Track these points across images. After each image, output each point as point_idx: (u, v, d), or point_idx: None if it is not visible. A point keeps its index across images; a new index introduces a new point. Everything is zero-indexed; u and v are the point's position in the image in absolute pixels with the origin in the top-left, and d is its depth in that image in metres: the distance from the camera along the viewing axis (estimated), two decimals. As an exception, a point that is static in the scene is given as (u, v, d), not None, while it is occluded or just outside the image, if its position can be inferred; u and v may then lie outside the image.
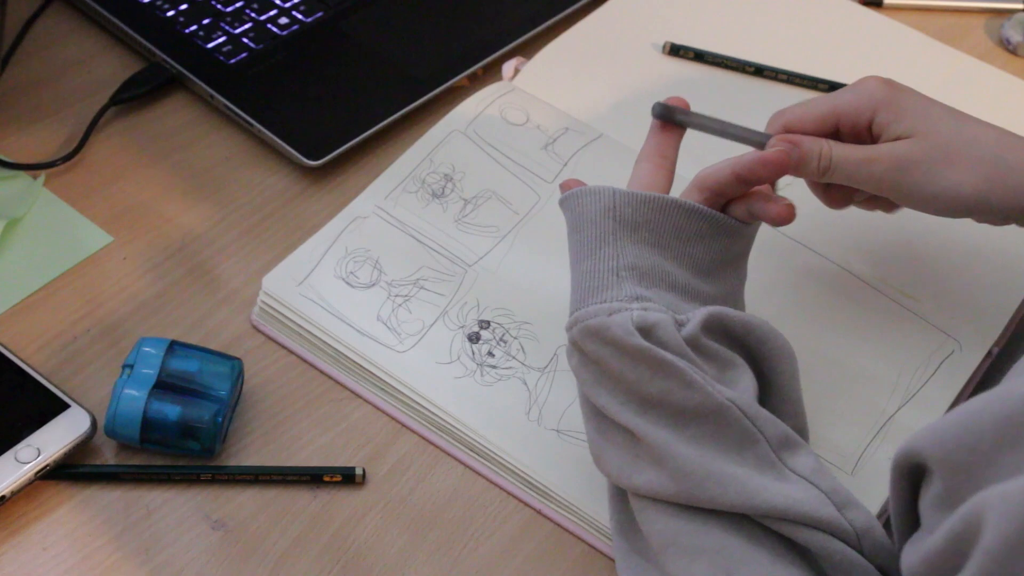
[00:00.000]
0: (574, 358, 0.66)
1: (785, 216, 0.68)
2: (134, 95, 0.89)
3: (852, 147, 0.71)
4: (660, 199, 0.67)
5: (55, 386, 0.72)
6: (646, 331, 0.62)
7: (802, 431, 0.67)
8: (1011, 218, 0.72)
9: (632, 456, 0.63)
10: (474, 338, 0.76)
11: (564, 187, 0.70)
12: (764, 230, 0.82)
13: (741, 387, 0.64)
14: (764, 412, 0.62)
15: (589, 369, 0.65)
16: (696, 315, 0.64)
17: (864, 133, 0.72)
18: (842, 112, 0.72)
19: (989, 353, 0.79)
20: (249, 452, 0.72)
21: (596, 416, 0.65)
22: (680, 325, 0.64)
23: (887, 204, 0.76)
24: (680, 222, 0.67)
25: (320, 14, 0.96)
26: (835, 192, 0.76)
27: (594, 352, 0.64)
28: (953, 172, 0.70)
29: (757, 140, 0.72)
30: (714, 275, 0.68)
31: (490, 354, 0.76)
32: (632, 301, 0.64)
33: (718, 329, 0.65)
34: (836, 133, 0.73)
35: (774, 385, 0.66)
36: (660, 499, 0.62)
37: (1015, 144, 0.71)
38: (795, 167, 0.70)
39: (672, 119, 0.72)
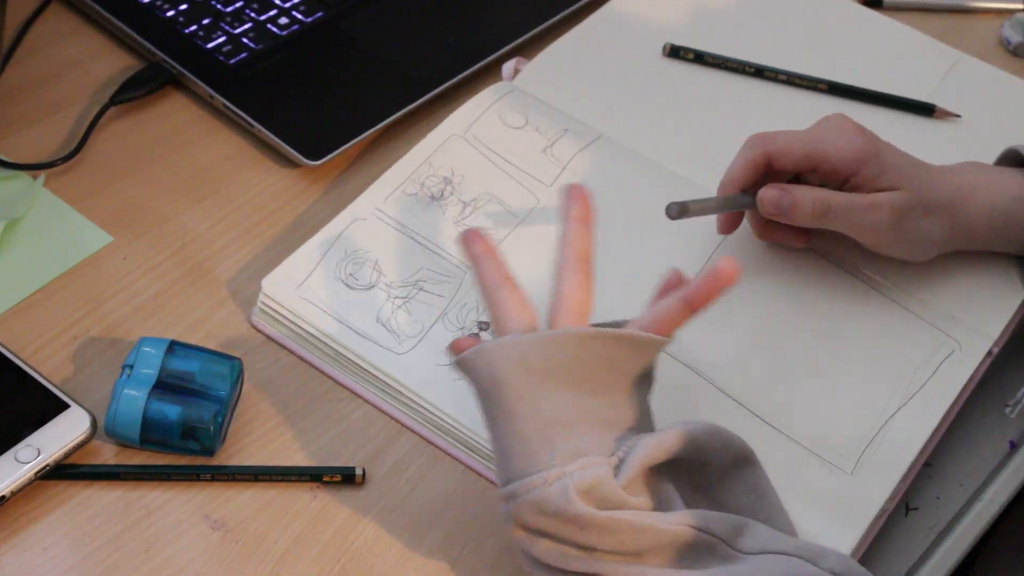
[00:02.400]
0: (517, 533, 0.62)
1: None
2: (134, 95, 0.89)
3: (851, 195, 0.75)
4: (572, 335, 0.63)
5: (55, 386, 0.72)
6: (587, 493, 0.60)
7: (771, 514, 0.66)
8: (967, 248, 0.80)
9: None
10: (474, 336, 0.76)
11: (456, 348, 0.66)
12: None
13: (679, 500, 0.63)
14: (710, 514, 0.62)
15: (534, 541, 0.62)
16: (631, 459, 0.61)
17: (835, 181, 0.76)
18: (827, 160, 0.76)
19: (989, 353, 0.79)
20: (249, 452, 0.72)
21: (548, 571, 0.63)
22: (617, 467, 0.61)
23: (797, 238, 0.80)
24: (594, 350, 0.63)
25: (320, 14, 0.96)
26: (773, 230, 0.80)
27: (537, 524, 0.61)
28: (929, 221, 0.77)
29: (748, 202, 0.76)
30: (631, 391, 0.65)
31: (490, 354, 0.76)
32: (567, 460, 0.61)
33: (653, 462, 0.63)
34: (810, 173, 0.76)
35: (715, 478, 0.66)
36: None
37: (966, 189, 0.78)
38: (787, 213, 0.75)
39: (686, 215, 0.73)
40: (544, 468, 0.61)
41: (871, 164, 0.75)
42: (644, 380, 0.66)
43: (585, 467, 0.61)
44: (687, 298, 0.64)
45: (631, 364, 0.64)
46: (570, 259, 0.67)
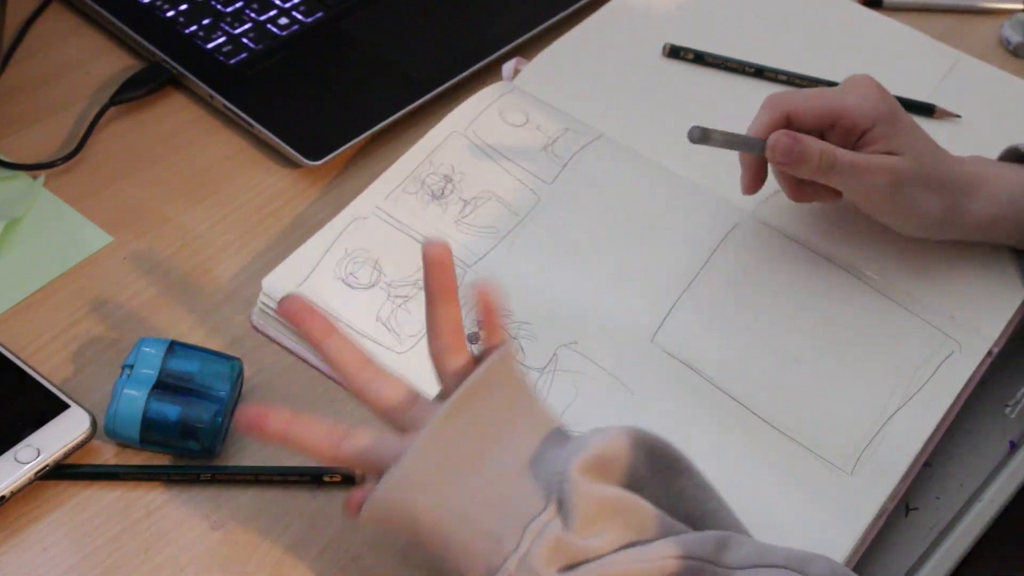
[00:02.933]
0: None
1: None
2: (134, 95, 0.89)
3: (854, 154, 0.75)
4: (427, 433, 0.60)
5: (55, 386, 0.72)
6: (552, 555, 0.58)
7: (719, 504, 0.64)
8: (965, 238, 0.80)
9: None
10: (473, 338, 0.76)
11: (352, 507, 0.62)
12: (768, 233, 0.82)
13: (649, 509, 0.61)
14: (687, 538, 0.60)
15: None
16: (568, 498, 0.59)
17: (853, 137, 0.77)
18: (845, 114, 0.76)
19: (989, 353, 0.79)
20: (249, 452, 0.72)
21: None
22: (562, 511, 0.59)
23: (830, 196, 0.79)
24: (456, 430, 0.61)
25: (320, 14, 0.96)
26: (805, 188, 0.79)
27: None
28: (929, 197, 0.76)
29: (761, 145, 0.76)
30: (516, 418, 0.63)
31: (490, 354, 0.76)
32: (517, 539, 0.58)
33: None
34: (829, 129, 0.77)
35: (678, 487, 0.63)
36: None
37: (972, 176, 0.78)
38: (795, 162, 0.75)
39: (707, 141, 0.74)
40: (501, 562, 0.58)
41: (884, 123, 0.75)
42: (517, 391, 0.63)
43: (537, 532, 0.58)
44: (426, 289, 0.63)
45: (499, 397, 0.62)
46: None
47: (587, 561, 0.58)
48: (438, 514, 0.60)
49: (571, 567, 0.58)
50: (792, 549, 0.60)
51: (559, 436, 0.63)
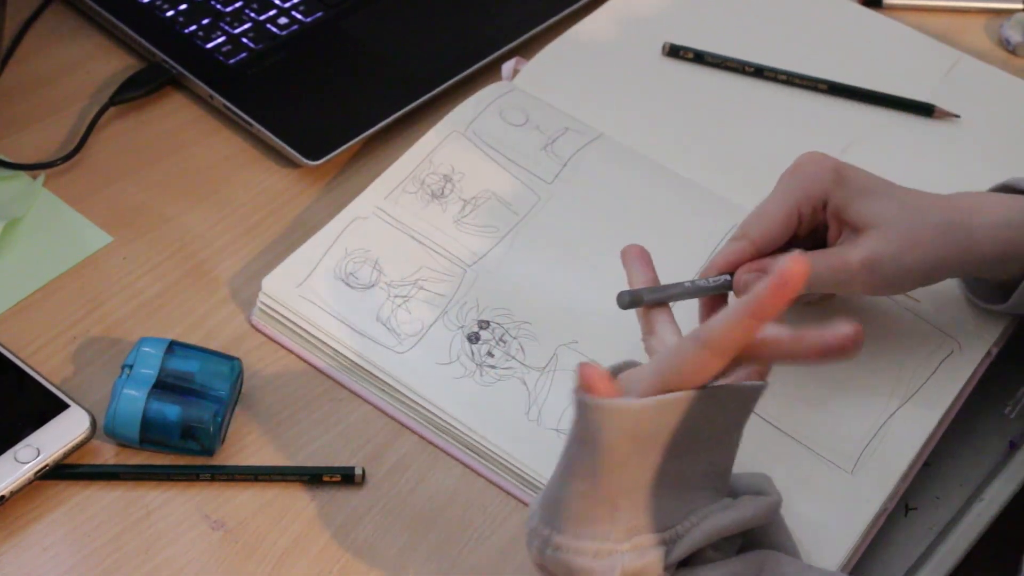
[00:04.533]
0: (534, 564, 0.61)
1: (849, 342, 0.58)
2: (134, 95, 0.89)
3: (821, 258, 0.72)
4: (672, 401, 0.58)
5: (55, 386, 0.72)
6: (631, 575, 0.58)
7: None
8: (968, 273, 0.77)
9: None
10: (473, 338, 0.76)
11: (586, 379, 0.59)
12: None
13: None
14: (734, 563, 0.60)
15: None
16: (687, 540, 0.59)
17: (820, 211, 0.73)
18: (798, 203, 0.72)
19: (988, 353, 0.79)
20: (249, 452, 0.72)
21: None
22: (670, 543, 0.59)
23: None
24: (683, 412, 0.59)
25: (320, 14, 0.96)
26: None
27: None
28: (913, 254, 0.72)
29: (721, 285, 0.71)
30: (709, 448, 0.61)
31: (490, 354, 0.76)
32: (623, 537, 0.59)
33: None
34: (795, 231, 0.73)
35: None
36: None
37: (955, 211, 0.73)
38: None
39: (641, 303, 0.68)
40: (600, 539, 0.59)
41: (837, 192, 0.72)
42: (729, 431, 0.62)
43: (638, 547, 0.59)
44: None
45: (720, 415, 0.61)
46: (710, 341, 0.57)
47: None
48: (614, 469, 0.58)
49: None
50: (824, 571, 0.61)
51: (724, 474, 0.63)
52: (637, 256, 0.70)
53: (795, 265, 0.53)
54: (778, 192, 0.73)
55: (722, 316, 0.57)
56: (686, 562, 0.60)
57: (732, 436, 0.62)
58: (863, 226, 0.72)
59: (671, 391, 0.58)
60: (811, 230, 0.74)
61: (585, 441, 0.59)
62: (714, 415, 0.60)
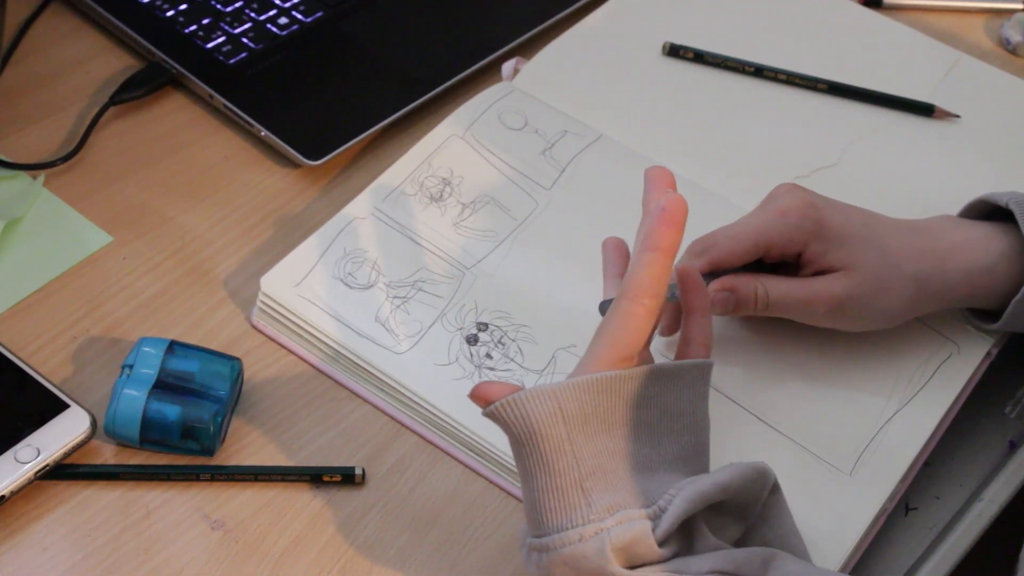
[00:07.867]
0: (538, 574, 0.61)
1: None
2: (134, 95, 0.89)
3: (789, 286, 0.73)
4: (605, 379, 0.61)
5: (55, 386, 0.72)
6: (622, 550, 0.59)
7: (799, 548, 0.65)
8: (944, 308, 0.78)
9: None
10: (472, 340, 0.76)
11: (483, 395, 0.61)
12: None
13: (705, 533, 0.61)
14: (736, 553, 0.60)
15: None
16: (672, 511, 0.59)
17: (791, 259, 0.74)
18: (773, 246, 0.73)
19: (988, 354, 0.79)
20: (249, 452, 0.72)
21: None
22: (655, 519, 0.59)
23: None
24: (628, 392, 0.61)
25: (320, 14, 0.96)
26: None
27: None
28: (883, 300, 0.73)
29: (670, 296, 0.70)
30: (676, 425, 0.63)
31: (488, 356, 0.76)
32: (604, 514, 0.59)
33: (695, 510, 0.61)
34: (764, 255, 0.73)
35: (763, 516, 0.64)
36: None
37: (930, 257, 0.74)
38: (733, 311, 0.73)
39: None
40: (580, 523, 0.59)
41: (815, 243, 0.72)
42: (692, 410, 0.63)
43: (623, 521, 0.59)
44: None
45: (674, 397, 0.62)
46: (630, 290, 0.61)
47: (643, 565, 0.59)
48: (559, 454, 0.60)
49: (631, 567, 0.59)
50: (830, 572, 0.61)
51: (697, 456, 0.64)
52: (612, 248, 0.72)
53: (670, 202, 0.62)
54: (754, 223, 0.73)
55: (632, 265, 0.62)
56: (690, 550, 0.60)
57: (695, 418, 0.64)
58: (839, 267, 0.73)
59: (623, 355, 0.61)
60: (779, 257, 0.74)
61: (521, 442, 0.61)
62: (664, 396, 0.62)
